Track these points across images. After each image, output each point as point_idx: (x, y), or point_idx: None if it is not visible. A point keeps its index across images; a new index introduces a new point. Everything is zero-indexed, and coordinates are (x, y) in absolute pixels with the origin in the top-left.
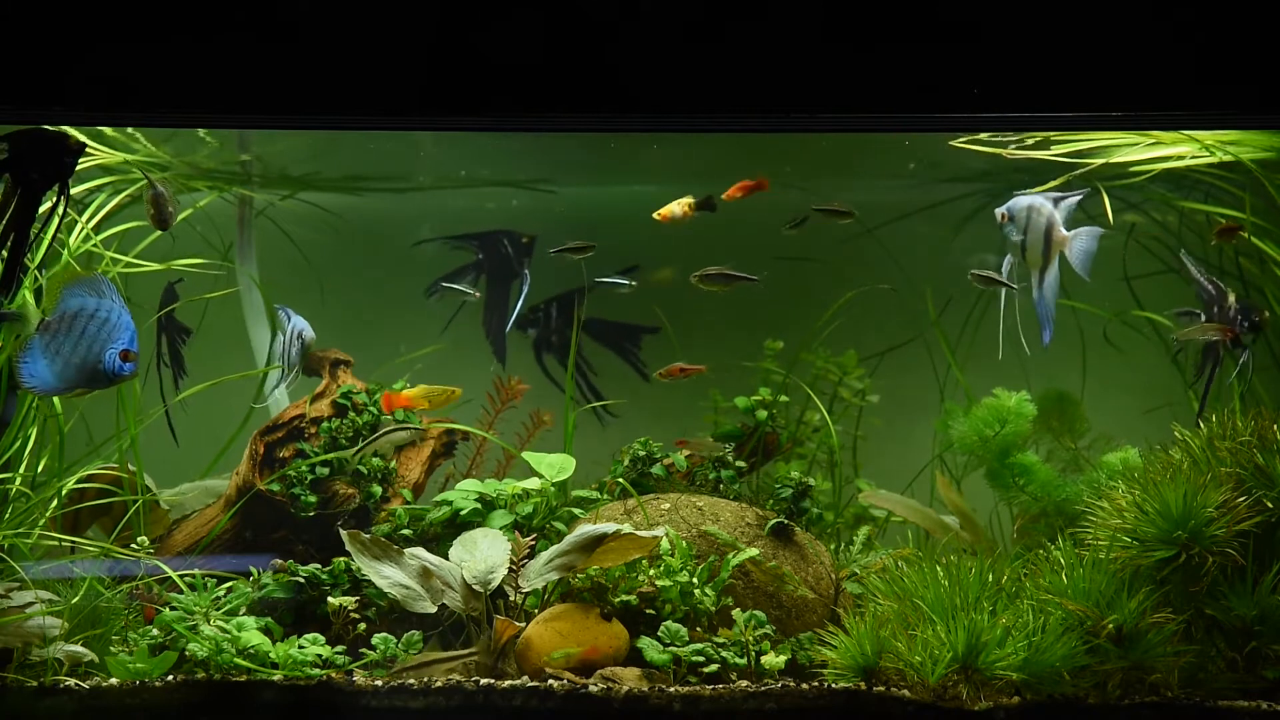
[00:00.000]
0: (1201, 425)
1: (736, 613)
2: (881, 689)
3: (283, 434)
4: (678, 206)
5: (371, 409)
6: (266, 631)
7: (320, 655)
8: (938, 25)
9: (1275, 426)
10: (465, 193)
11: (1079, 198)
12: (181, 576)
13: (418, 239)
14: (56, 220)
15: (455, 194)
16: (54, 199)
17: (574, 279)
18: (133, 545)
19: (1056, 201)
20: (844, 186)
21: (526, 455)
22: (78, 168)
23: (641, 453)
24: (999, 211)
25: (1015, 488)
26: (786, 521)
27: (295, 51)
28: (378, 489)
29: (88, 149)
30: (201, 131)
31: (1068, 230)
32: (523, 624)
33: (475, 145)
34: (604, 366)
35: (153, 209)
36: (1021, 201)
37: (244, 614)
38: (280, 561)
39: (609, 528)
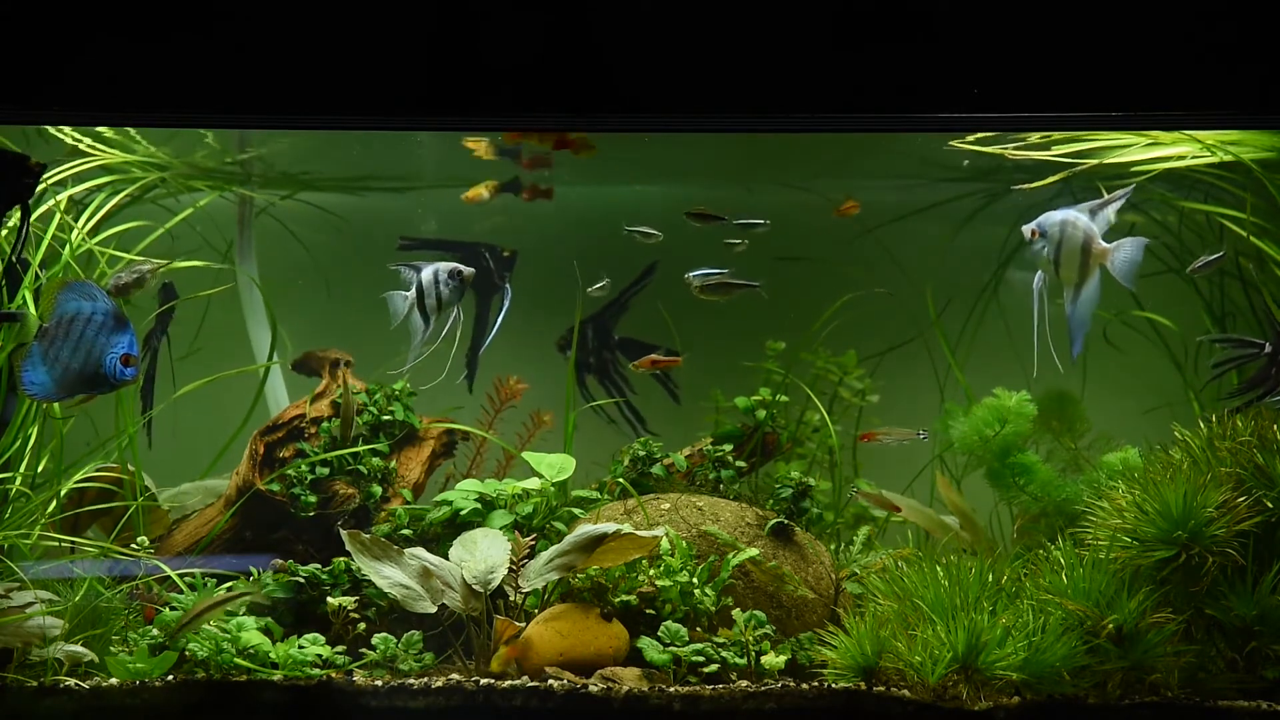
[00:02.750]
0: (1202, 425)
1: (736, 613)
2: (881, 689)
3: (283, 434)
4: (484, 188)
5: (371, 409)
6: (266, 631)
7: (320, 655)
8: (938, 25)
9: (1275, 426)
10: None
11: (1119, 204)
12: (181, 576)
13: (402, 238)
14: (20, 236)
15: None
16: (17, 217)
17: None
18: (133, 545)
19: (1093, 212)
20: (844, 186)
21: (526, 455)
22: (82, 167)
23: (641, 453)
24: (1028, 228)
25: (1015, 488)
26: (786, 521)
27: (295, 51)
28: (378, 489)
29: (87, 149)
30: (201, 131)
31: (1107, 241)
32: (523, 624)
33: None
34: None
35: (129, 278)
36: (1054, 216)
37: (244, 614)
38: (280, 561)
39: (609, 528)
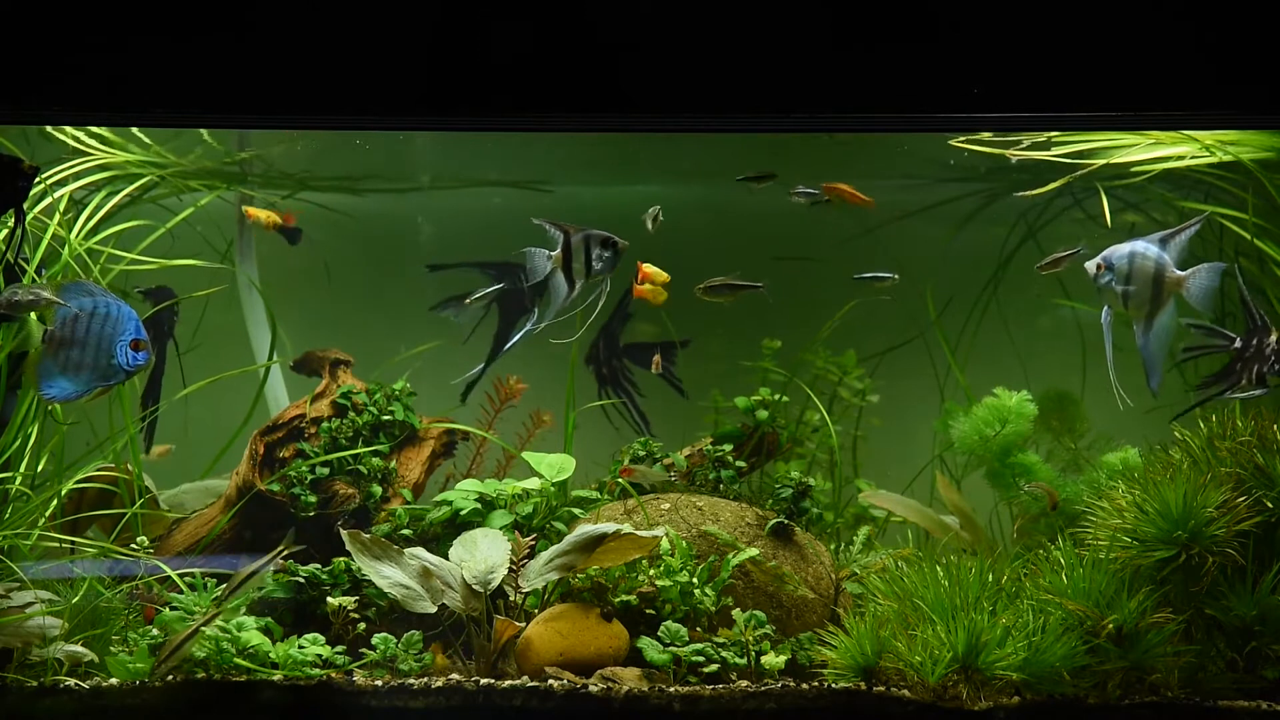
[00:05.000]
0: (1202, 425)
1: (736, 613)
2: (881, 689)
3: (283, 434)
4: (263, 217)
5: (371, 409)
6: (266, 631)
7: (320, 655)
8: (938, 25)
9: (1275, 426)
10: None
11: (1192, 231)
12: (181, 576)
13: (433, 264)
14: (16, 239)
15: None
16: (11, 221)
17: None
18: (132, 545)
19: (1164, 241)
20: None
21: (526, 455)
22: (80, 167)
23: (641, 453)
24: (1093, 264)
25: (1015, 488)
26: (786, 521)
27: (296, 51)
28: (378, 489)
29: (85, 149)
30: (201, 131)
31: (1182, 270)
32: (523, 624)
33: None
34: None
35: (24, 297)
36: (1121, 249)
37: (244, 614)
38: (280, 561)
39: (609, 528)
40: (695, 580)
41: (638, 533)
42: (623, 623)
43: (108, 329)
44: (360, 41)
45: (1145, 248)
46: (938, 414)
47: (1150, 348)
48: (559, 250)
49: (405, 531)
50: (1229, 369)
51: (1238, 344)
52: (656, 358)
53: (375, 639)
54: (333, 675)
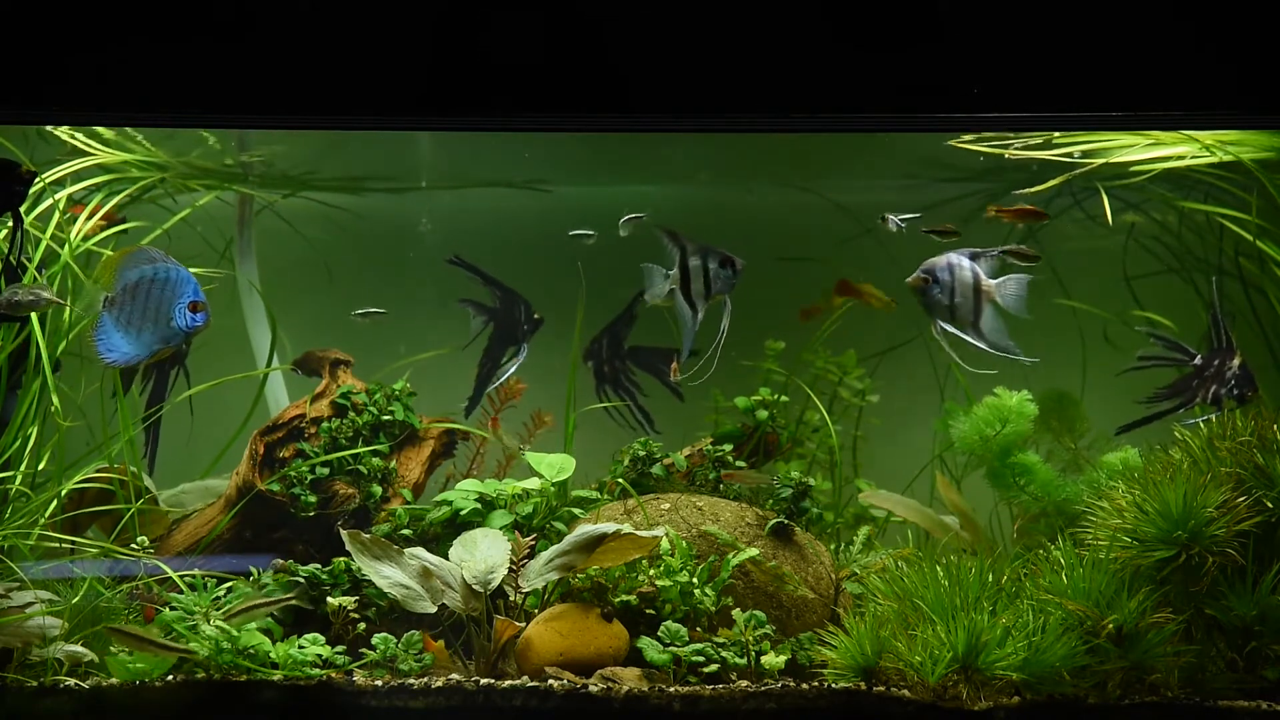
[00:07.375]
0: (1201, 425)
1: (736, 613)
2: (881, 689)
3: (283, 434)
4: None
5: (371, 409)
6: (266, 631)
7: (320, 655)
8: (938, 25)
9: (1275, 426)
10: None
11: (998, 252)
12: (181, 576)
13: (452, 257)
14: (15, 242)
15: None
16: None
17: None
18: (132, 545)
19: (974, 256)
20: (844, 187)
21: (527, 455)
22: (77, 167)
23: (641, 453)
24: (916, 277)
25: (1016, 488)
26: (786, 521)
27: (296, 51)
28: (378, 489)
29: (84, 149)
30: (201, 131)
31: (992, 279)
32: (523, 624)
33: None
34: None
35: (25, 297)
36: (939, 261)
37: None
38: (280, 561)
39: (609, 528)
40: (695, 580)
41: (638, 533)
42: (623, 623)
43: (166, 292)
44: (361, 41)
45: (960, 259)
46: (938, 414)
47: (995, 344)
48: (675, 270)
49: (405, 531)
50: (1184, 384)
51: (1197, 361)
52: (675, 364)
53: (375, 639)
54: (333, 675)
